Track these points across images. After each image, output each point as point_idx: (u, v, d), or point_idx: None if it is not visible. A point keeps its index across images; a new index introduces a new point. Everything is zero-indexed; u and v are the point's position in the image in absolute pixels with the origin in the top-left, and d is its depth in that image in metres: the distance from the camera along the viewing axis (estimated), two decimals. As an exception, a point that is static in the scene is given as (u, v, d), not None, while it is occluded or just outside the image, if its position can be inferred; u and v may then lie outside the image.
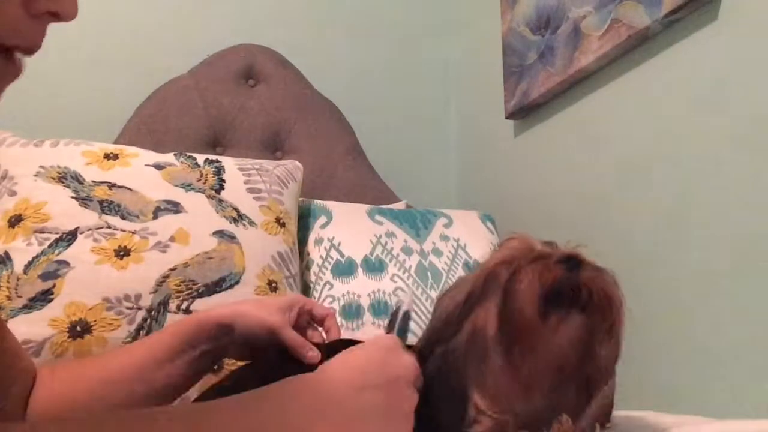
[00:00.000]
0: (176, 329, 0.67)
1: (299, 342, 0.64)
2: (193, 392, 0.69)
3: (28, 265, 0.91)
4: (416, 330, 1.11)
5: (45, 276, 0.90)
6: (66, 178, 1.00)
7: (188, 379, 0.67)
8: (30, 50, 0.39)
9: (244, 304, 0.69)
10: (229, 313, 0.66)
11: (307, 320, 0.71)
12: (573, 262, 0.52)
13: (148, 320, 0.92)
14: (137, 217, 0.99)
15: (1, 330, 0.60)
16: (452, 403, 0.52)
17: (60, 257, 0.92)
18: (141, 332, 0.91)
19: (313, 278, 1.15)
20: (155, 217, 1.00)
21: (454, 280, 1.20)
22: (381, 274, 1.17)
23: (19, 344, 0.66)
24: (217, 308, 0.68)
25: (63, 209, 0.97)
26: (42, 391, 0.64)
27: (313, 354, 0.63)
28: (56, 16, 0.38)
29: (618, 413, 0.57)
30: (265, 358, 0.66)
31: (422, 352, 0.55)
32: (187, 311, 0.94)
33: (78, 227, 0.96)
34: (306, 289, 1.15)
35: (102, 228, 0.96)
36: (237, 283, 0.99)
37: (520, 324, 0.50)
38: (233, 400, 0.44)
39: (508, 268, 0.54)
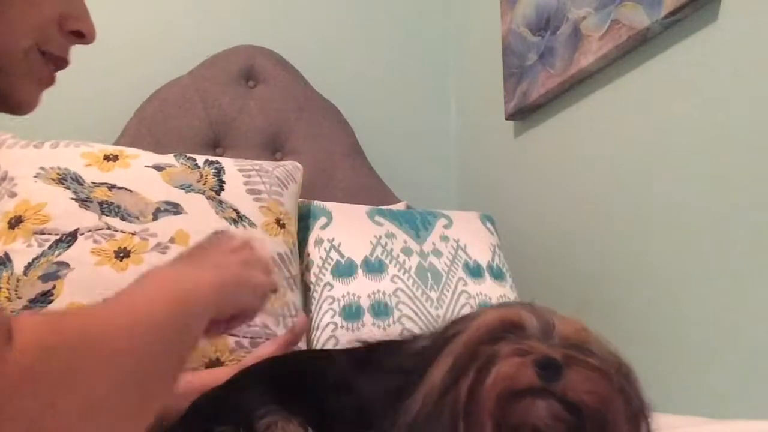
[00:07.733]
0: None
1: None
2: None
3: (28, 267, 0.91)
4: (414, 328, 1.12)
5: (45, 277, 0.90)
6: (66, 179, 1.00)
7: None
8: (61, 61, 0.53)
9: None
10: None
11: None
12: (551, 370, 0.47)
13: (148, 321, 0.92)
14: (137, 218, 0.99)
15: None
16: None
17: (60, 258, 0.92)
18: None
19: (313, 279, 1.15)
20: (155, 218, 1.00)
21: (453, 283, 1.20)
22: (381, 275, 1.17)
23: None
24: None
25: (63, 210, 0.97)
26: None
27: None
28: (81, 37, 0.54)
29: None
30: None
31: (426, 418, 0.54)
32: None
33: (78, 228, 0.95)
34: (306, 290, 1.15)
35: (102, 229, 0.96)
36: (237, 284, 0.99)
37: (480, 419, 0.49)
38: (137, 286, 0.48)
39: (490, 346, 0.52)
